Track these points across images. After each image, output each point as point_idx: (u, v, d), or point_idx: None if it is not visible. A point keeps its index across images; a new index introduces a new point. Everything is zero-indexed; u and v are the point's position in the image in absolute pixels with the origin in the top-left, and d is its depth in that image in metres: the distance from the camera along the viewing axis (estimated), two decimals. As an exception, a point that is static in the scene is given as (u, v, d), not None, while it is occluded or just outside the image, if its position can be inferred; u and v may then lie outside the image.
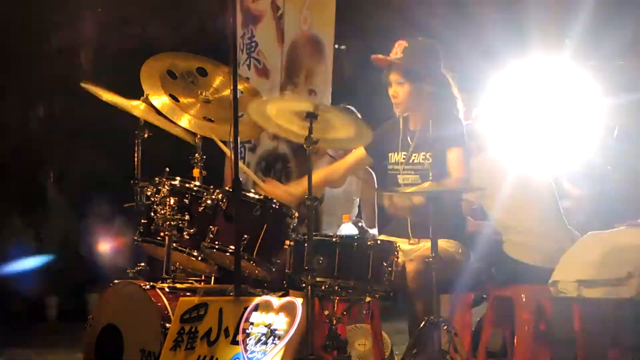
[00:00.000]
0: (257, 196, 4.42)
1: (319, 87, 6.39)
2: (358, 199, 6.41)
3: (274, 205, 4.43)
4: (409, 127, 4.69)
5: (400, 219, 4.63)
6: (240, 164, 4.61)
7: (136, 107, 4.74)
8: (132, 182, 4.76)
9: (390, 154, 4.70)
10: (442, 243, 4.37)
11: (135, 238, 4.65)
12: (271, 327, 3.76)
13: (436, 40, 4.72)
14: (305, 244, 3.96)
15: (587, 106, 6.70)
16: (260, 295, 3.98)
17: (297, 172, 6.56)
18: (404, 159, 4.64)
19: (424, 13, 7.71)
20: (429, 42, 4.69)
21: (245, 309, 3.85)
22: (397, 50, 4.60)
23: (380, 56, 4.64)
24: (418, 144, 4.61)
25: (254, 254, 4.38)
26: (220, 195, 4.47)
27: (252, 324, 3.81)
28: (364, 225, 5.74)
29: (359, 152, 4.80)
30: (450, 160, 4.50)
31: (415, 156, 4.61)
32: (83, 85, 4.91)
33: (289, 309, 3.77)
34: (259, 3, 6.86)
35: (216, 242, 4.41)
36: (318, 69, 6.45)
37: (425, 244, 4.39)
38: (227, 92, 4.89)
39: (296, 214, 4.50)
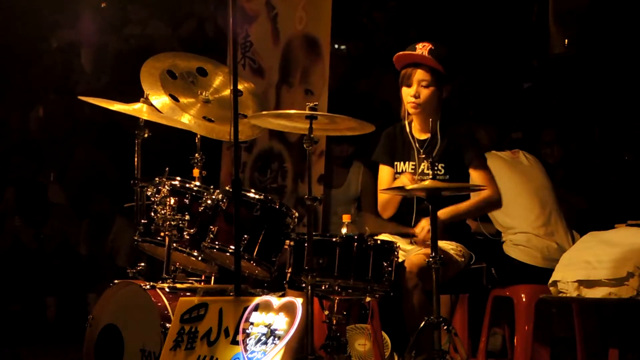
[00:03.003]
0: (257, 196, 4.42)
1: (315, 87, 6.38)
2: (358, 200, 6.42)
3: (274, 205, 4.43)
4: (415, 135, 4.62)
5: (402, 220, 4.62)
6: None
7: (139, 110, 4.73)
8: (132, 182, 4.76)
9: (397, 163, 4.64)
10: (443, 244, 4.37)
11: (136, 238, 4.66)
12: (271, 327, 3.76)
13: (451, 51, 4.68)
14: (305, 244, 3.96)
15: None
16: (260, 295, 3.98)
17: (293, 171, 6.55)
18: (412, 169, 4.57)
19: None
20: (444, 47, 4.59)
21: (245, 309, 3.85)
22: (423, 50, 4.51)
23: (413, 52, 4.51)
24: (426, 153, 4.47)
25: (254, 254, 4.38)
26: (220, 195, 4.47)
27: (252, 324, 3.81)
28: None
29: (389, 170, 4.68)
30: (476, 180, 4.50)
31: (424, 166, 4.50)
32: (81, 98, 4.89)
33: (289, 309, 3.77)
34: (254, 3, 6.84)
35: (216, 242, 4.41)
36: (314, 69, 6.43)
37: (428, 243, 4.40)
38: (227, 92, 4.89)
39: (296, 214, 4.50)
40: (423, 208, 4.47)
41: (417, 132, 4.63)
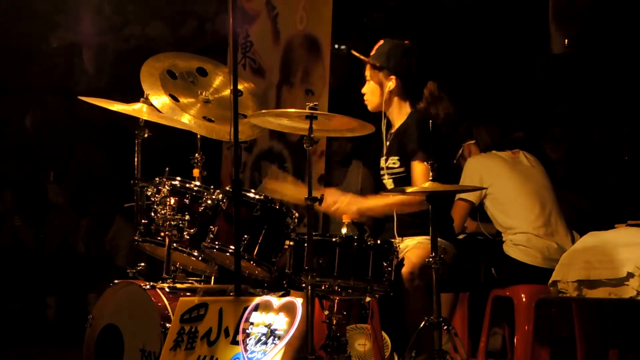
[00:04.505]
0: (257, 196, 4.43)
1: (316, 87, 6.38)
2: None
3: (274, 206, 4.44)
4: (390, 130, 4.71)
5: (389, 221, 4.63)
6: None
7: (139, 110, 4.73)
8: (132, 182, 4.76)
9: (381, 160, 4.72)
10: (424, 240, 4.37)
11: (136, 238, 4.66)
12: (271, 327, 3.76)
13: (414, 44, 4.75)
14: (305, 244, 3.97)
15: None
16: (260, 295, 3.98)
17: (293, 171, 6.56)
18: (385, 162, 4.66)
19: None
20: (400, 42, 4.71)
21: (245, 309, 3.85)
22: (374, 48, 4.69)
23: (355, 53, 4.70)
24: (390, 147, 4.64)
25: (254, 254, 4.38)
26: (220, 195, 4.47)
27: (252, 324, 3.81)
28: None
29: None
30: (414, 173, 4.49)
31: (391, 160, 4.62)
32: (80, 98, 4.89)
33: (289, 309, 3.77)
34: (254, 3, 6.85)
35: (216, 242, 4.41)
36: (315, 69, 6.44)
37: (408, 244, 4.43)
38: (227, 92, 4.90)
39: (296, 214, 4.51)
40: (404, 221, 4.52)
41: (392, 125, 4.73)
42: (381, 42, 4.68)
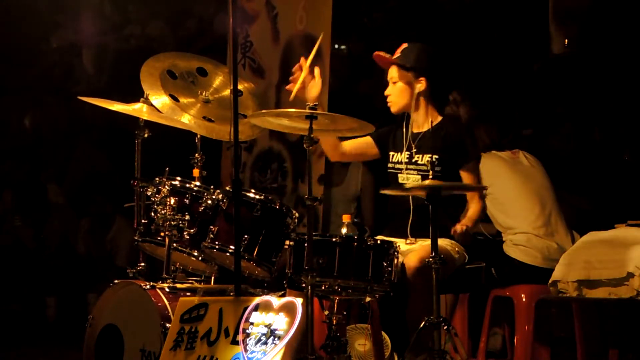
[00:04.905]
0: (257, 196, 4.43)
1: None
2: (358, 199, 6.42)
3: (274, 206, 4.44)
4: (413, 129, 4.73)
5: (399, 219, 4.65)
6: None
7: (139, 110, 4.73)
8: (132, 182, 4.76)
9: (392, 153, 4.75)
10: (439, 241, 4.38)
11: (136, 238, 4.66)
12: (271, 327, 3.76)
13: (437, 49, 4.80)
14: (305, 244, 3.97)
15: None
16: (260, 295, 3.98)
17: (293, 171, 6.55)
18: (407, 158, 4.68)
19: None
20: (426, 46, 4.76)
21: (245, 309, 3.85)
22: (398, 51, 4.71)
23: (380, 53, 4.73)
24: (421, 145, 4.66)
25: (254, 254, 4.39)
26: (220, 195, 4.48)
27: (252, 324, 3.81)
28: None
29: (367, 138, 4.83)
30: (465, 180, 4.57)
31: (418, 157, 4.65)
32: (80, 98, 4.90)
33: (289, 309, 3.77)
34: (254, 3, 6.86)
35: (216, 242, 4.41)
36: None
37: (422, 243, 4.42)
38: (227, 92, 4.90)
39: (296, 214, 4.51)
40: (417, 219, 4.55)
41: (416, 125, 4.75)
42: (405, 45, 4.71)
